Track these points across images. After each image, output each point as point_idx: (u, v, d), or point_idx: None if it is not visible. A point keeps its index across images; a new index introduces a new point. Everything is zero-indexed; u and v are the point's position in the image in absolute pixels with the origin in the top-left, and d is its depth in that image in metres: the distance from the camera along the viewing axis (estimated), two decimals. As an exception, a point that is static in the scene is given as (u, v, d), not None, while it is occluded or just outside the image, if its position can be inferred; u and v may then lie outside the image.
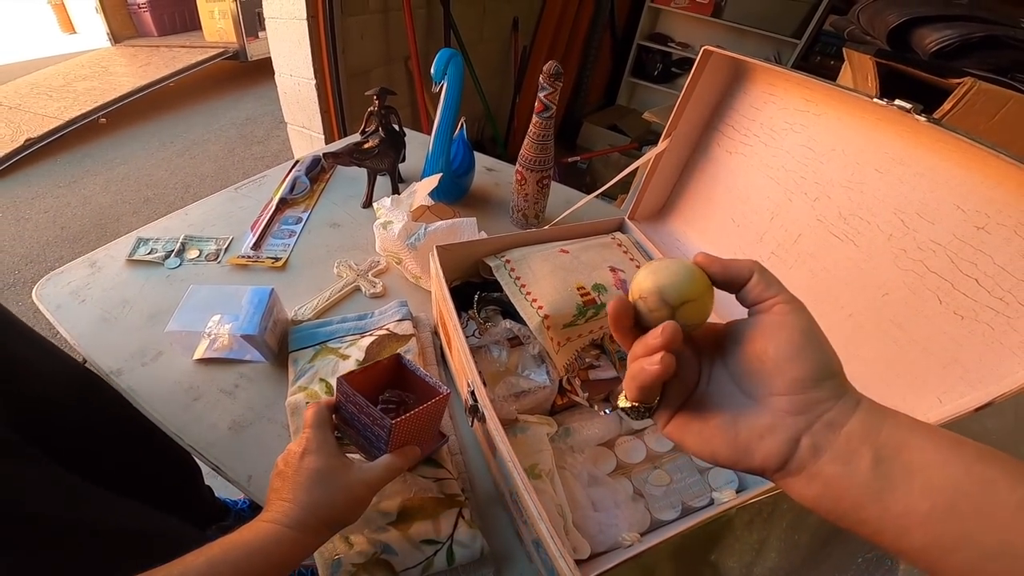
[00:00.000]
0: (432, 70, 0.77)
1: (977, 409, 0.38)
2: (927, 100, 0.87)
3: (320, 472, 0.42)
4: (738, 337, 0.27)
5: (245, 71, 3.68)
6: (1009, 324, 0.39)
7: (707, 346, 0.29)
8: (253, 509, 1.12)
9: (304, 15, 1.48)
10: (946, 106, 0.80)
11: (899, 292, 0.46)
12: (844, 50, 1.13)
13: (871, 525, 0.23)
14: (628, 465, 0.57)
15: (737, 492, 0.50)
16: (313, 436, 0.43)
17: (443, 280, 0.49)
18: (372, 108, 0.81)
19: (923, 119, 0.38)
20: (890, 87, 1.06)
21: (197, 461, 0.89)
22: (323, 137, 1.71)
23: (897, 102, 0.40)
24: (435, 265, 0.52)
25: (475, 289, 0.58)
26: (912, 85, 0.97)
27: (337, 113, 1.65)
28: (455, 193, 0.92)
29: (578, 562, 0.42)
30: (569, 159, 2.59)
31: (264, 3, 1.57)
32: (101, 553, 0.50)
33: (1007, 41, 0.83)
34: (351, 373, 0.46)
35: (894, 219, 0.46)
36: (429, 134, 0.84)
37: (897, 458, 0.22)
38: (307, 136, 1.78)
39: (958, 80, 0.80)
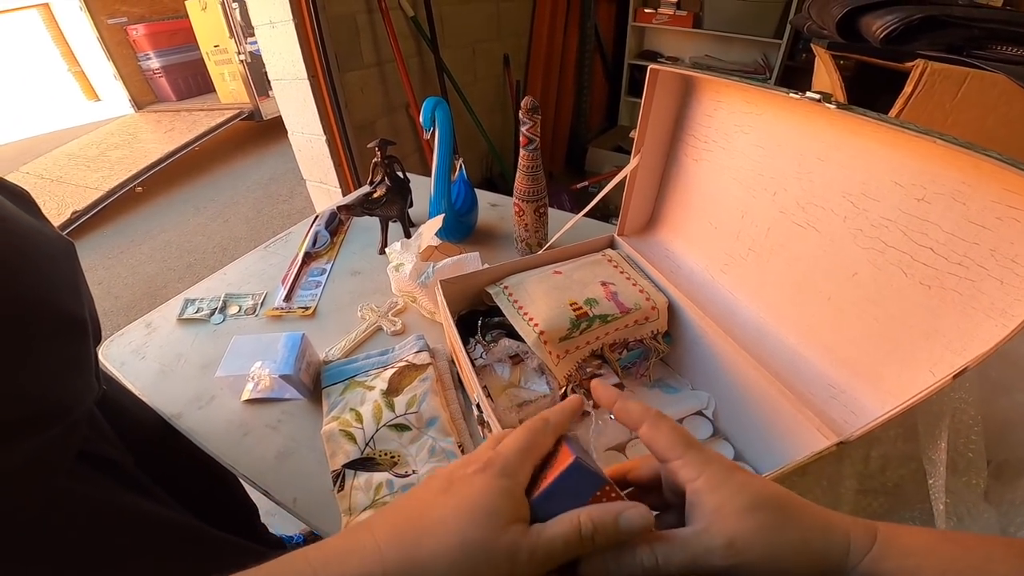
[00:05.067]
0: (421, 119, 0.86)
1: (955, 376, 0.39)
2: (896, 86, 0.90)
3: (469, 534, 0.25)
4: None
5: (262, 130, 3.89)
6: (975, 287, 0.41)
7: None
8: (308, 542, 1.19)
9: (305, 75, 1.60)
10: (907, 90, 0.83)
11: (866, 270, 0.49)
12: (812, 45, 1.16)
13: None
14: None
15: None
16: (501, 461, 0.28)
17: (447, 311, 0.56)
18: (376, 159, 0.89)
19: (833, 107, 0.42)
20: (863, 77, 1.10)
21: (252, 499, 0.98)
22: (339, 190, 1.82)
23: (808, 94, 0.44)
24: (440, 298, 0.59)
25: (480, 316, 0.64)
26: (882, 73, 1.01)
27: (349, 166, 1.77)
28: (461, 231, 1.00)
29: None
30: (578, 186, 2.63)
31: (267, 66, 1.70)
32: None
33: (948, 20, 0.86)
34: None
35: (844, 202, 0.50)
36: (435, 177, 0.92)
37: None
38: (325, 191, 1.90)
39: (911, 64, 0.83)
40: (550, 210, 0.92)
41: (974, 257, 0.41)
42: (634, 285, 0.65)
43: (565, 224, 0.80)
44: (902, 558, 0.26)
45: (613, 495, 0.29)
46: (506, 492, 0.27)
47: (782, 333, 0.59)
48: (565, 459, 0.29)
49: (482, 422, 0.51)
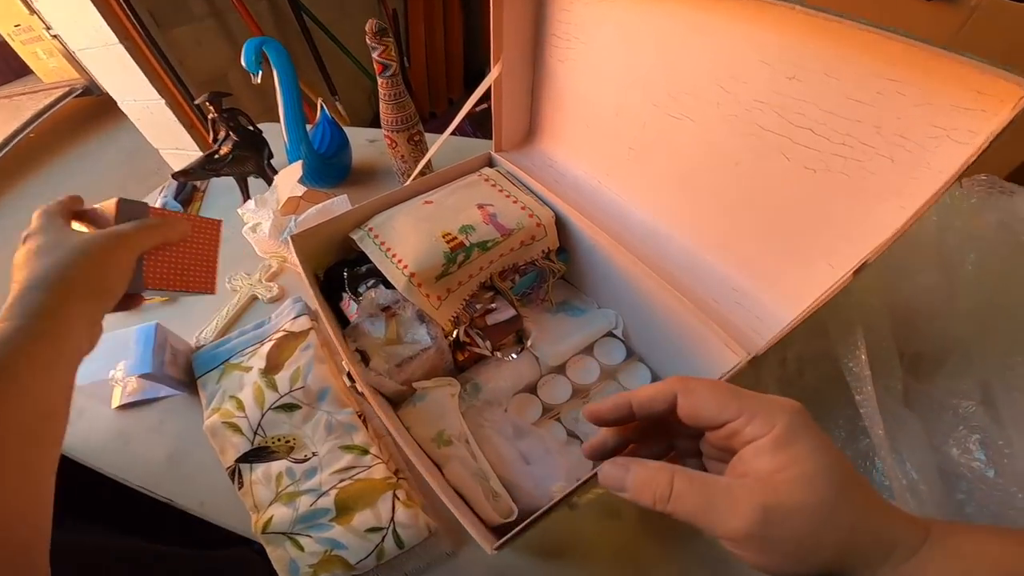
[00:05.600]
0: (243, 63, 0.72)
1: (855, 272, 0.37)
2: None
3: (40, 248, 0.36)
4: None
5: (105, 105, 3.31)
6: (862, 168, 0.38)
7: None
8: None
9: (115, 40, 1.37)
10: None
11: (748, 159, 0.46)
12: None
13: None
14: (555, 406, 0.57)
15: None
16: (36, 225, 0.39)
17: (302, 268, 0.49)
18: (212, 115, 0.77)
19: None
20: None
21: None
22: (200, 153, 1.61)
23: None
24: (293, 255, 0.51)
25: (346, 267, 0.57)
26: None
27: (205, 125, 1.56)
28: (333, 176, 0.90)
29: (511, 524, 0.41)
30: (478, 108, 2.49)
31: (65, 39, 1.49)
32: None
33: None
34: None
35: (714, 87, 0.46)
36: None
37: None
38: (184, 156, 1.69)
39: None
40: (451, 138, 0.83)
41: (858, 135, 0.38)
42: (515, 203, 0.60)
43: (452, 146, 0.72)
44: (954, 560, 0.22)
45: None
46: (57, 222, 0.39)
47: (677, 235, 0.56)
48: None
49: (357, 392, 0.45)
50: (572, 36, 0.57)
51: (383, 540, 0.49)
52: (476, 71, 3.02)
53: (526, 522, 0.37)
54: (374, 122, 0.83)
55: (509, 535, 0.37)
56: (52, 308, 0.33)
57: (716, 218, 0.52)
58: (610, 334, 0.63)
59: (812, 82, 0.39)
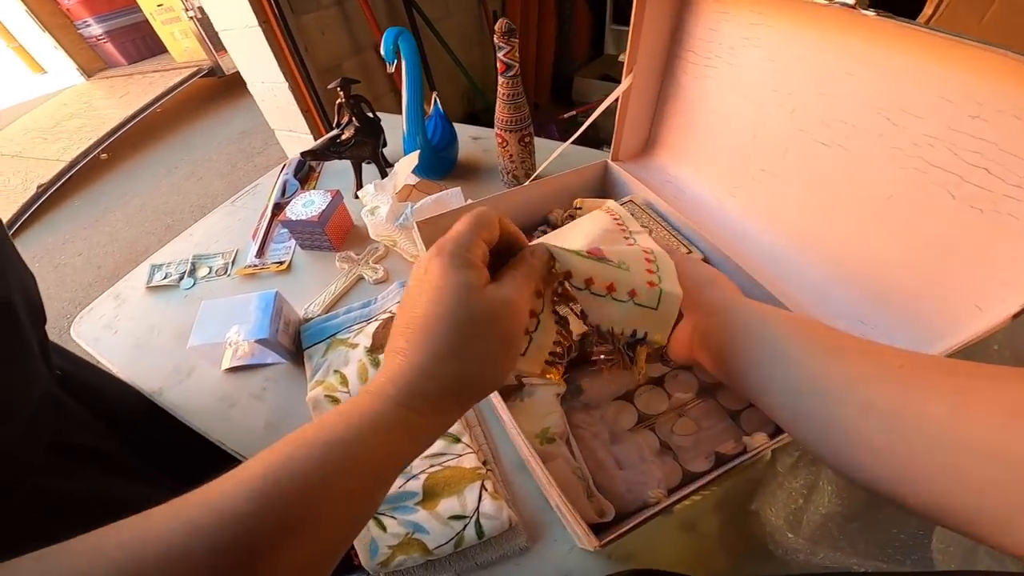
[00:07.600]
0: (382, 52, 0.76)
1: (1015, 315, 0.35)
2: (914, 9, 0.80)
3: (446, 301, 0.25)
4: None
5: (226, 85, 3.62)
6: None
7: None
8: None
9: (255, 22, 1.48)
10: (927, 11, 0.74)
11: (904, 192, 0.44)
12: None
13: (728, 369, 0.32)
14: (650, 416, 0.55)
15: (772, 436, 0.46)
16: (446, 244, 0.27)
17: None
18: (340, 100, 0.81)
19: (872, 14, 0.37)
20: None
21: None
22: (311, 137, 1.72)
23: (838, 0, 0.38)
24: (419, 241, 0.52)
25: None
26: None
27: (318, 111, 1.66)
28: (441, 168, 0.92)
29: (604, 525, 0.42)
30: (567, 115, 2.49)
31: (212, 18, 1.57)
32: None
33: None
34: None
35: (879, 118, 0.44)
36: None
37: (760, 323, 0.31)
38: (296, 139, 1.79)
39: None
40: (537, 140, 0.84)
41: (1036, 179, 0.35)
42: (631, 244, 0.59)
43: (553, 153, 0.72)
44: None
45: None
46: (464, 264, 0.26)
47: (803, 261, 0.53)
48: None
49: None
50: (714, 54, 0.56)
51: (464, 528, 0.48)
52: (564, 77, 3.03)
53: (632, 524, 0.37)
54: (465, 120, 0.84)
55: (615, 535, 0.37)
56: (434, 401, 0.26)
57: (853, 249, 0.49)
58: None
59: (997, 122, 0.37)
